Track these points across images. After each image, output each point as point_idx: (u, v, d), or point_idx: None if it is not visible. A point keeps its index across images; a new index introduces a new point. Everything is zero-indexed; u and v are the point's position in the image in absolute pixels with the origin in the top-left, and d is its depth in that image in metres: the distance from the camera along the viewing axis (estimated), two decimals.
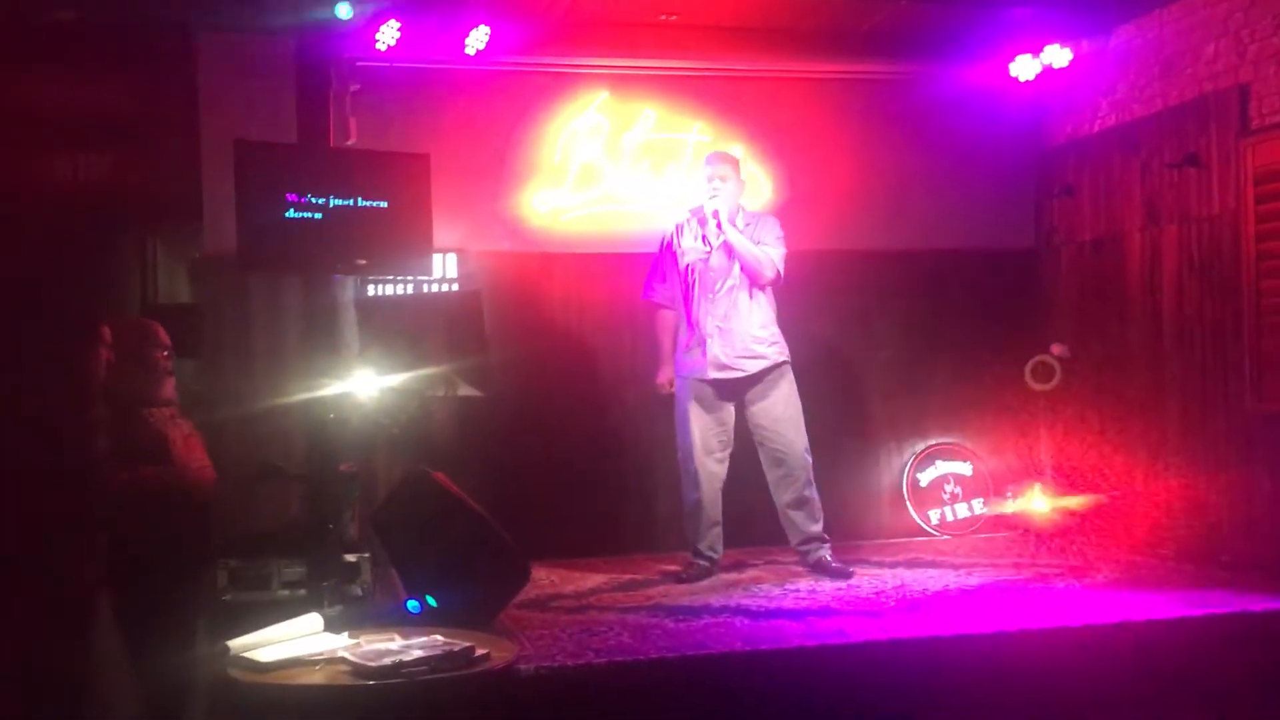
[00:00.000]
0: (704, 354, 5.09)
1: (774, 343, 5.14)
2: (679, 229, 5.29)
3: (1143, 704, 4.02)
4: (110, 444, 3.72)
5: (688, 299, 5.17)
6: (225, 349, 5.36)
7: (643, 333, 5.82)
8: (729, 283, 5.10)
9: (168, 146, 5.24)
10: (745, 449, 5.23)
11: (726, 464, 5.21)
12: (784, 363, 5.15)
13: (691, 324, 5.15)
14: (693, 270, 5.17)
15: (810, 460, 5.15)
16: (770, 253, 5.12)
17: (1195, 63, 5.41)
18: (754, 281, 5.11)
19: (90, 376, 3.62)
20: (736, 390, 5.15)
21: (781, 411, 5.12)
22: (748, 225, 5.18)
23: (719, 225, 5.08)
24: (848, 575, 5.03)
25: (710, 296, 5.11)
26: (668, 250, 5.29)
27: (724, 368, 5.07)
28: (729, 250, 5.10)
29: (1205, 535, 5.31)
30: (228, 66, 5.36)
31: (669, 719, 3.72)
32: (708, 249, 5.15)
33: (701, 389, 5.15)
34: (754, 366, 5.09)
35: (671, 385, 5.28)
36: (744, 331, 5.08)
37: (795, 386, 5.16)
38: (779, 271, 5.13)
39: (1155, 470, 5.61)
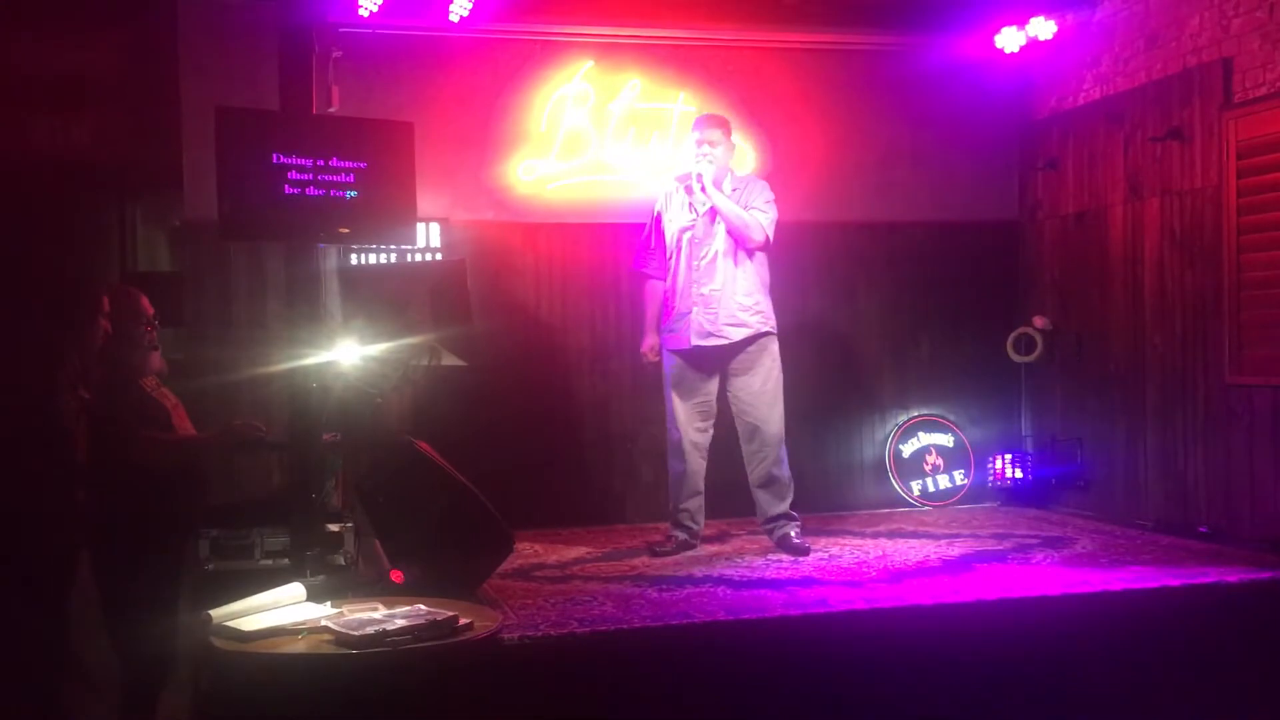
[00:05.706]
0: (688, 323, 5.04)
1: (758, 311, 5.07)
2: (667, 198, 5.24)
3: (1121, 672, 4.07)
4: (106, 410, 3.71)
5: (675, 268, 5.13)
6: (207, 318, 5.34)
7: (628, 302, 5.82)
8: (714, 250, 5.04)
9: (148, 111, 5.19)
10: (732, 420, 5.21)
11: (710, 433, 5.18)
12: (767, 333, 5.09)
13: (677, 293, 5.11)
14: (679, 239, 5.13)
15: (783, 439, 5.09)
16: (759, 216, 5.04)
17: (1179, 36, 5.41)
18: (741, 245, 5.04)
19: (88, 344, 3.61)
20: (719, 359, 5.10)
21: (759, 386, 5.07)
22: (735, 190, 5.12)
23: (703, 188, 5.01)
24: (804, 552, 4.98)
25: (696, 265, 5.06)
26: (657, 219, 5.25)
27: (707, 335, 5.03)
28: (714, 215, 5.04)
29: (1183, 506, 5.36)
30: (209, 31, 5.32)
31: (652, 688, 3.73)
32: (693, 216, 5.10)
33: (685, 358, 5.11)
34: (737, 335, 5.04)
35: (655, 354, 5.23)
36: (729, 299, 5.02)
37: (779, 362, 5.11)
38: (768, 236, 5.06)
39: (1134, 442, 5.66)
